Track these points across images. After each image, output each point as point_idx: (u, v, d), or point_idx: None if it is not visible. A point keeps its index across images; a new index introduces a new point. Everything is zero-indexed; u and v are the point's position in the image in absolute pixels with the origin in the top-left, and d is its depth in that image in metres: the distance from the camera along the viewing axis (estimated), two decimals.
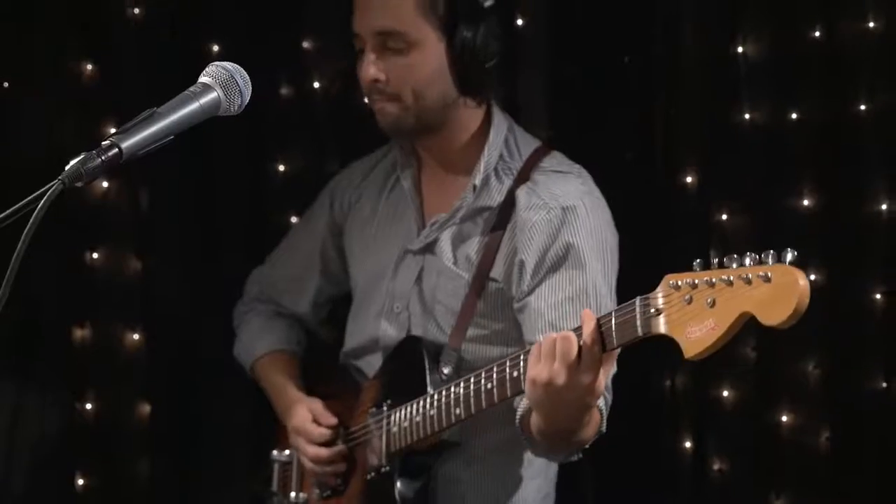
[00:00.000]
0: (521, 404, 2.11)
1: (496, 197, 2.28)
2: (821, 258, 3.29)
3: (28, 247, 1.37)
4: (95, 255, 3.46)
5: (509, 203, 2.25)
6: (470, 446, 2.26)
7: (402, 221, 2.39)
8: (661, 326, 1.74)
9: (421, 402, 2.17)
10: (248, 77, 1.57)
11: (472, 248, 2.27)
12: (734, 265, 1.65)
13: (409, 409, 2.20)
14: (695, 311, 1.68)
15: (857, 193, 3.26)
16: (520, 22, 3.59)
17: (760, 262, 1.62)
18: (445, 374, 2.23)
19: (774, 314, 1.58)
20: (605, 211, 2.28)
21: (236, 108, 1.57)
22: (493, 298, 2.26)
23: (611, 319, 1.81)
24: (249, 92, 1.58)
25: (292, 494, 2.48)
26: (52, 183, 1.36)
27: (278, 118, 3.57)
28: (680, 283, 1.71)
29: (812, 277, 3.27)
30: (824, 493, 3.34)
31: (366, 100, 2.29)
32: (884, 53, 3.20)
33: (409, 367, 2.28)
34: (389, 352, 2.37)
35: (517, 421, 2.15)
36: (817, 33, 3.27)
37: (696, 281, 1.68)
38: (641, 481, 3.53)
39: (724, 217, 3.44)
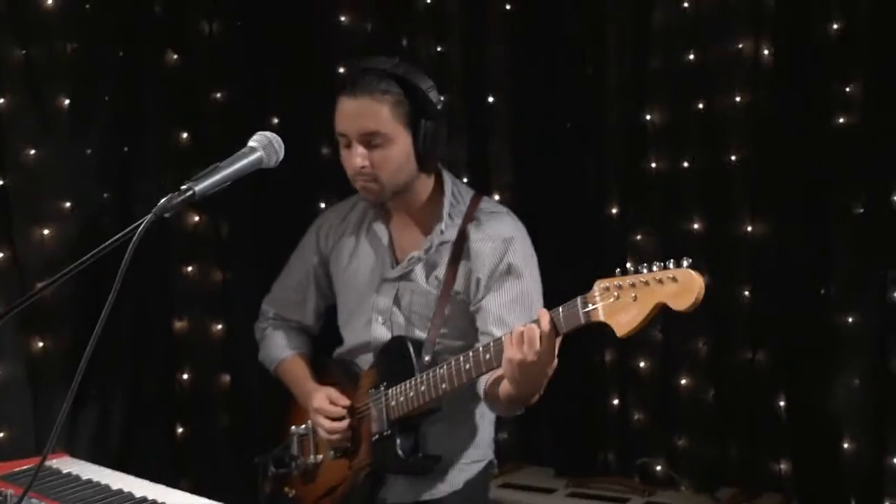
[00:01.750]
0: (485, 380, 2.19)
1: (452, 233, 2.32)
2: (706, 265, 3.34)
3: (132, 259, 1.43)
4: (189, 269, 3.59)
5: (462, 237, 2.30)
6: (444, 408, 2.32)
7: (377, 258, 2.42)
8: (600, 315, 1.81)
9: (412, 382, 2.22)
10: (281, 142, 1.71)
11: (440, 271, 2.32)
12: (645, 270, 1.74)
13: (403, 387, 2.24)
14: (622, 304, 1.76)
15: (730, 220, 3.39)
16: (491, 99, 3.76)
17: (665, 268, 1.71)
18: (427, 361, 2.28)
19: (681, 302, 1.68)
20: (529, 239, 2.35)
21: (273, 163, 1.70)
22: (456, 306, 2.32)
23: (559, 313, 1.89)
24: (282, 152, 1.71)
25: (311, 456, 2.49)
26: (147, 215, 1.49)
27: (321, 171, 3.65)
28: (608, 285, 1.80)
29: None
30: (710, 434, 3.47)
31: (351, 179, 2.31)
32: (748, 119, 3.33)
33: (398, 357, 2.31)
34: (380, 348, 2.40)
35: (482, 391, 2.22)
36: (700, 105, 3.41)
37: (621, 283, 1.77)
38: (579, 428, 3.69)
39: (639, 237, 3.60)
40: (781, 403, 3.32)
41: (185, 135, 3.55)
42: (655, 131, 3.53)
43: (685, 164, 3.46)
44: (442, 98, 2.26)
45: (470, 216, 2.34)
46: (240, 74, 3.62)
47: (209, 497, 2.00)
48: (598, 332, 3.47)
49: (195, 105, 3.56)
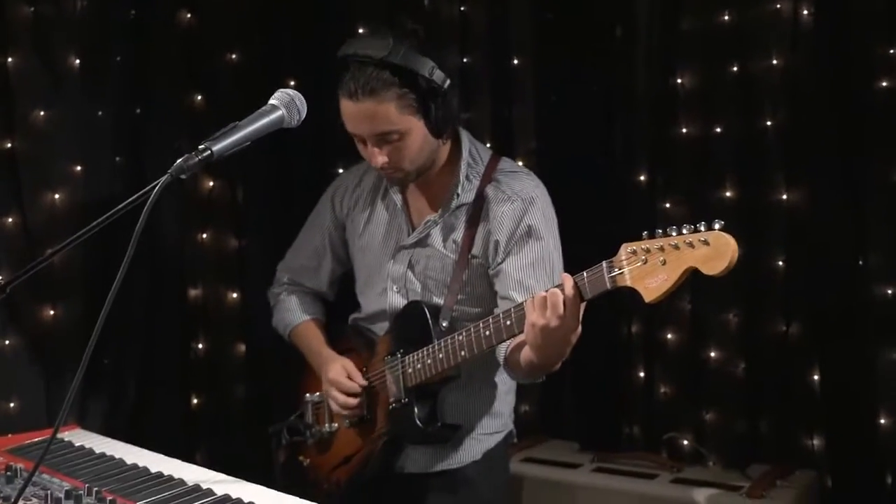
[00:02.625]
0: (505, 346, 2.15)
1: (470, 195, 2.29)
2: (737, 235, 3.34)
3: (146, 225, 1.39)
4: (205, 235, 3.57)
5: (480, 199, 2.27)
6: (462, 376, 2.30)
7: (393, 225, 2.39)
8: (627, 280, 1.75)
9: (430, 349, 2.20)
10: (304, 100, 1.66)
11: (458, 235, 2.29)
12: (674, 233, 1.67)
13: (420, 354, 2.22)
14: (650, 269, 1.70)
15: (763, 187, 3.29)
16: (515, 61, 3.67)
17: (696, 230, 1.65)
18: (444, 327, 2.26)
19: (714, 267, 1.62)
20: (549, 200, 2.31)
21: (296, 122, 1.66)
22: (474, 270, 2.29)
23: (584, 278, 1.84)
24: (305, 111, 1.66)
25: (326, 425, 2.48)
26: (163, 177, 1.45)
27: (338, 137, 3.69)
28: (635, 248, 1.73)
29: None
30: (740, 409, 3.40)
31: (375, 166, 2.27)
32: (785, 83, 3.23)
33: (414, 323, 2.29)
34: (396, 314, 2.37)
35: (501, 358, 2.21)
36: (734, 68, 3.31)
37: (648, 247, 1.71)
38: (604, 402, 3.64)
39: (668, 205, 3.50)
40: (815, 378, 3.24)
41: (199, 97, 3.51)
42: (686, 95, 3.43)
43: (717, 130, 3.37)
44: (447, 79, 2.16)
45: (488, 177, 2.30)
46: (255, 35, 3.57)
47: (224, 469, 1.99)
48: (624, 301, 3.55)
49: (209, 66, 3.52)
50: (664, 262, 1.69)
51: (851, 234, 3.13)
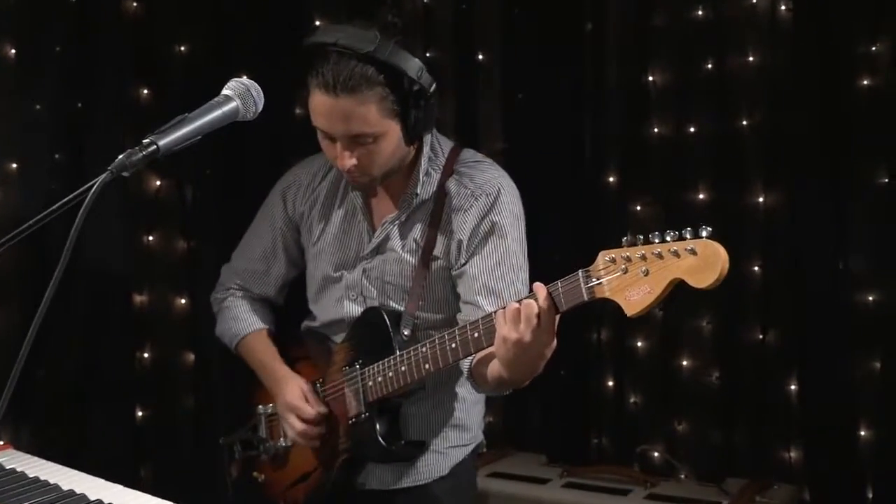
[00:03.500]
0: (470, 358, 2.03)
1: (429, 190, 2.15)
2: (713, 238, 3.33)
3: (87, 227, 1.30)
4: (151, 238, 3.43)
5: (441, 194, 2.13)
6: (427, 387, 2.17)
7: (353, 230, 2.24)
8: (605, 291, 1.64)
9: (391, 361, 2.08)
10: (261, 90, 1.54)
11: (417, 233, 2.16)
12: (656, 240, 1.56)
13: (381, 366, 2.10)
14: (631, 279, 1.59)
15: (739, 189, 3.26)
16: (480, 56, 3.61)
17: (681, 238, 1.53)
18: (406, 335, 2.14)
19: (703, 279, 1.50)
20: (517, 192, 2.15)
21: (251, 115, 1.53)
22: (436, 274, 2.16)
23: (558, 288, 1.73)
24: (262, 102, 1.54)
25: (280, 440, 2.34)
26: (102, 174, 1.33)
27: (294, 132, 3.51)
28: (614, 256, 1.62)
29: None
30: (714, 420, 3.36)
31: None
32: (762, 81, 3.20)
33: (374, 331, 2.16)
34: (354, 321, 2.24)
35: (466, 370, 2.08)
36: (709, 65, 3.28)
37: (629, 255, 1.59)
38: (571, 412, 3.57)
39: (639, 208, 3.47)
40: (793, 387, 3.23)
41: (145, 91, 3.39)
42: (658, 93, 3.41)
43: (691, 129, 3.34)
44: (433, 83, 1.99)
45: (449, 169, 2.14)
46: (206, 25, 3.45)
47: (173, 485, 1.80)
48: (593, 307, 3.41)
49: (157, 58, 3.40)
50: (647, 273, 1.57)
51: (832, 237, 3.11)
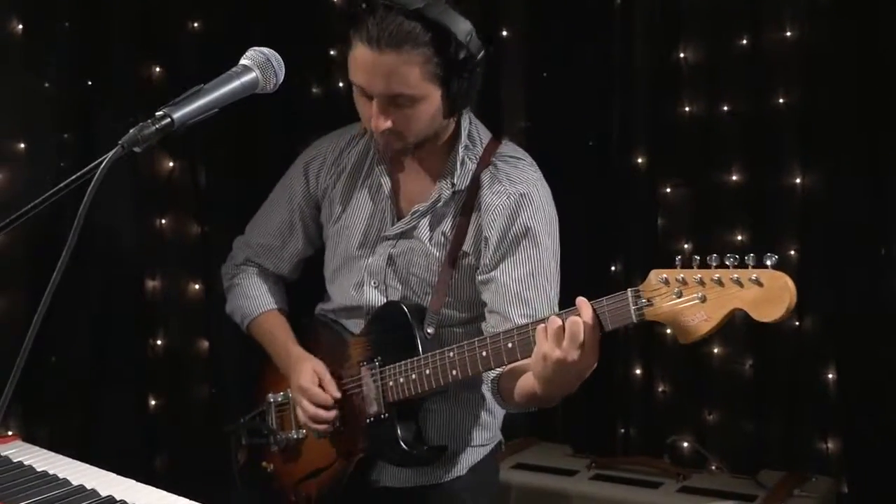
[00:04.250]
0: (494, 372, 2.00)
1: (464, 181, 2.09)
2: (744, 221, 3.29)
3: (98, 211, 1.29)
4: (164, 221, 3.41)
5: (475, 186, 2.07)
6: (449, 387, 2.08)
7: (376, 210, 2.18)
8: (657, 314, 1.60)
9: (415, 362, 2.03)
10: (282, 60, 1.49)
11: (447, 226, 2.10)
12: (713, 264, 1.52)
13: (404, 367, 2.05)
14: (686, 304, 1.55)
15: (775, 171, 3.22)
16: (504, 33, 3.59)
17: (742, 264, 1.49)
18: (429, 334, 2.08)
19: (767, 313, 1.48)
20: (551, 195, 2.10)
21: (272, 86, 1.49)
22: (464, 270, 2.10)
23: (604, 306, 1.68)
24: (283, 73, 1.49)
25: (292, 431, 2.29)
26: (114, 149, 1.30)
27: (310, 110, 3.58)
28: (668, 277, 1.58)
29: (738, 237, 3.29)
30: (747, 410, 3.32)
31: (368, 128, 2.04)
32: (799, 58, 3.16)
33: (395, 327, 2.11)
34: (373, 314, 2.19)
35: (490, 385, 2.04)
36: (743, 41, 3.23)
37: (685, 277, 1.55)
38: (598, 401, 3.48)
39: (668, 191, 3.44)
40: (830, 376, 3.18)
41: (157, 68, 3.35)
42: (690, 71, 3.37)
43: (724, 109, 3.31)
44: (482, 49, 1.93)
45: (486, 160, 2.08)
46: (220, 1, 3.43)
47: (187, 477, 1.77)
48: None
49: (169, 35, 3.37)
50: (704, 299, 1.52)
51: (872, 221, 3.06)
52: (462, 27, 1.88)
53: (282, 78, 1.49)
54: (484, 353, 1.87)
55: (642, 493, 2.97)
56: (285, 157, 3.20)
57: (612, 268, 3.56)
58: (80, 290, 3.04)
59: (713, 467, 3.24)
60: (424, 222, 2.12)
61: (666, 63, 3.36)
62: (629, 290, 1.62)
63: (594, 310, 1.66)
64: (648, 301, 1.59)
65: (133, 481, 1.84)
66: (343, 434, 2.19)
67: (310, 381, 2.18)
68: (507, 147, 2.14)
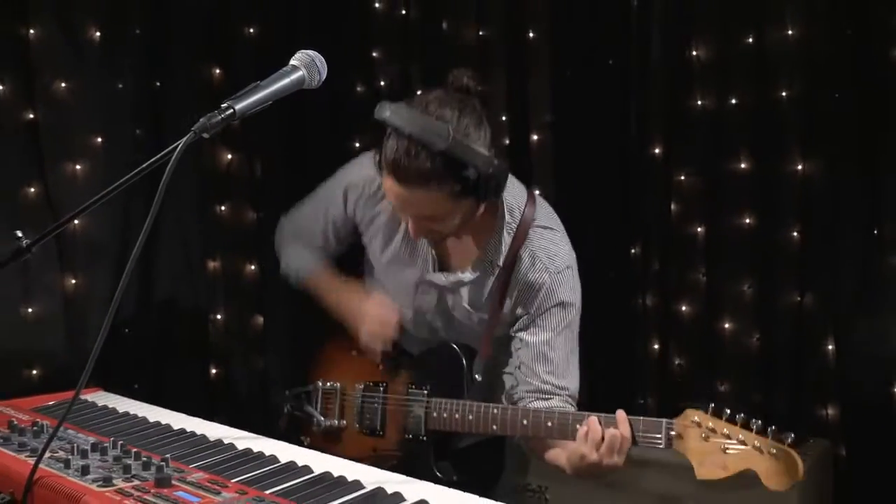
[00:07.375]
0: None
1: (502, 256, 2.11)
2: (752, 206, 3.36)
3: (165, 198, 1.38)
4: (223, 208, 3.58)
5: (512, 261, 2.10)
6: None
7: (417, 257, 2.20)
8: (684, 449, 1.75)
9: (461, 405, 2.09)
10: (324, 60, 1.62)
11: (486, 291, 2.14)
12: (738, 421, 1.70)
13: (449, 405, 2.11)
14: (710, 449, 1.71)
15: (778, 158, 3.29)
16: (531, 34, 3.67)
17: (764, 431, 1.66)
18: (477, 380, 2.15)
19: (776, 483, 1.63)
20: (576, 261, 2.15)
21: (316, 83, 1.62)
22: (504, 328, 2.17)
23: (640, 425, 1.84)
24: (325, 71, 1.62)
25: (335, 420, 2.33)
26: (186, 136, 1.44)
27: (354, 108, 3.71)
28: (700, 421, 1.74)
29: (746, 221, 3.38)
30: (754, 380, 3.41)
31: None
32: (801, 54, 3.22)
33: (447, 366, 2.17)
34: (428, 347, 2.24)
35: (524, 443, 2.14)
36: (750, 39, 3.31)
37: (714, 426, 1.72)
38: (620, 373, 3.63)
39: (682, 178, 3.53)
40: (830, 348, 3.25)
41: (217, 70, 3.53)
42: (701, 67, 3.44)
43: (732, 102, 3.38)
44: (502, 164, 1.96)
45: (524, 232, 2.12)
46: (273, 8, 3.59)
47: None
48: (636, 271, 3.56)
49: (228, 40, 3.54)
50: (725, 450, 1.70)
51: (867, 203, 3.12)
52: (483, 159, 1.89)
53: (325, 75, 1.62)
54: (524, 422, 1.97)
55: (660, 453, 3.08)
56: (332, 151, 3.40)
57: (633, 250, 3.64)
58: (150, 270, 3.20)
59: None
60: (465, 289, 2.17)
61: (680, 60, 3.44)
62: (664, 420, 1.80)
63: (631, 425, 1.84)
64: (679, 434, 1.77)
65: (199, 419, 2.05)
66: (380, 436, 2.25)
67: (378, 304, 2.25)
68: (541, 213, 2.15)
